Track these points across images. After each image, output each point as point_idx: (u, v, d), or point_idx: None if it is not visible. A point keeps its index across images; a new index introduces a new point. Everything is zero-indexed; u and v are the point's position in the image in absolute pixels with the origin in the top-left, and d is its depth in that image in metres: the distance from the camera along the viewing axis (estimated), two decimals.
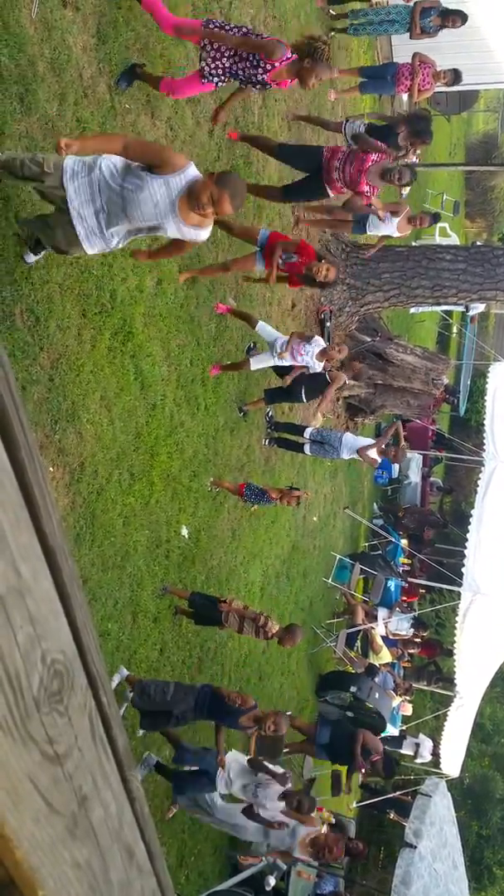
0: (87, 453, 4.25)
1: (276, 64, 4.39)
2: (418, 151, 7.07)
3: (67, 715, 0.67)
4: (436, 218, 7.59)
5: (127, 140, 3.21)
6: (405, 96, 8.41)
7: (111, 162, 3.14)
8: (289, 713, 5.78)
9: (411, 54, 7.65)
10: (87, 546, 4.31)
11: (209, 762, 5.15)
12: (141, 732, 5.00)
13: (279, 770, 5.43)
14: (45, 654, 0.62)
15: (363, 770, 7.56)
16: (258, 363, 6.41)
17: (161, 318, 5.16)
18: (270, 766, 5.37)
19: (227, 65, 4.39)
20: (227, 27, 4.37)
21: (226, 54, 4.36)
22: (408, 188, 7.38)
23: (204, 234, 3.36)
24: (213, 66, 4.39)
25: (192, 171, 3.21)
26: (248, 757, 5.31)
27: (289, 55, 4.43)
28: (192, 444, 5.73)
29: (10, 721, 0.57)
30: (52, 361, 3.88)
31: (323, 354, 6.42)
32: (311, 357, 6.33)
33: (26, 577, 0.58)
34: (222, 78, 4.47)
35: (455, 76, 7.71)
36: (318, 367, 6.51)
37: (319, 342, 6.48)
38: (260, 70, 4.38)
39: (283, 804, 5.34)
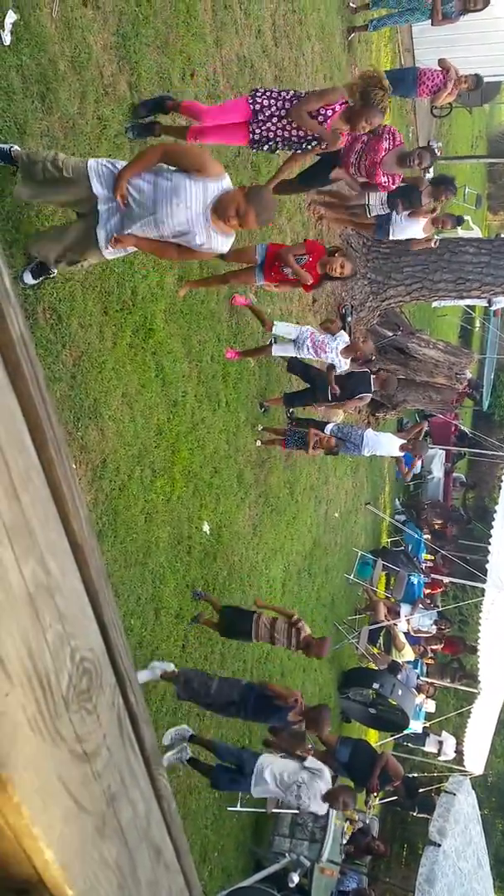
0: (109, 450, 4.27)
1: (336, 107, 4.27)
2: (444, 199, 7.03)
3: (96, 713, 0.66)
4: (459, 220, 7.52)
5: (165, 149, 3.18)
6: (426, 100, 8.35)
7: None
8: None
9: (436, 60, 7.59)
10: (110, 542, 4.33)
11: (247, 759, 5.15)
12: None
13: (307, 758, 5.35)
14: (74, 652, 0.61)
15: (376, 792, 7.54)
16: (280, 351, 6.33)
17: (182, 314, 5.16)
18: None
19: (280, 126, 4.25)
20: (274, 93, 4.29)
21: (278, 114, 4.24)
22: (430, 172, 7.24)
23: (227, 245, 3.35)
24: (264, 128, 4.27)
25: (228, 182, 3.21)
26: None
27: (344, 99, 4.33)
28: (213, 441, 5.73)
29: (41, 720, 0.57)
30: (74, 359, 3.90)
31: (348, 350, 6.34)
32: (335, 354, 6.25)
33: (55, 574, 0.58)
34: (270, 145, 4.37)
35: (477, 81, 7.62)
36: (344, 364, 6.41)
37: (344, 337, 6.39)
38: (319, 119, 4.24)
39: (326, 805, 5.28)
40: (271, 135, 4.34)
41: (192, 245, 3.24)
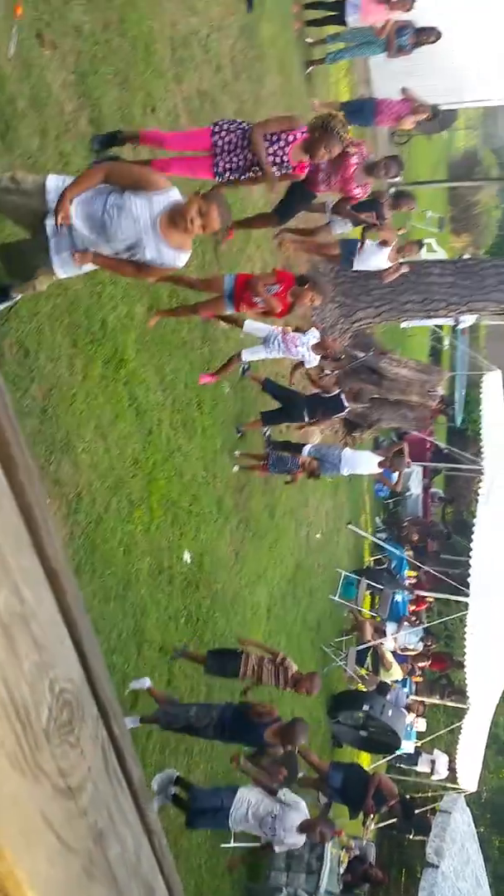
0: (84, 483, 4.22)
1: (297, 135, 4.34)
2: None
3: (79, 746, 0.64)
4: (420, 245, 7.75)
5: (108, 168, 3.22)
6: (387, 129, 8.61)
7: None
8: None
9: (393, 90, 7.85)
10: (88, 577, 4.26)
11: (224, 798, 5.05)
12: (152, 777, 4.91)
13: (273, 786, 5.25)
14: (53, 683, 0.59)
15: (372, 814, 7.44)
16: (251, 354, 6.27)
17: (153, 344, 5.17)
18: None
19: (241, 156, 4.34)
20: (234, 124, 4.38)
21: (240, 145, 4.32)
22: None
23: (182, 259, 3.35)
24: (227, 160, 4.35)
25: (176, 194, 3.23)
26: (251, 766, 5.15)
27: (305, 128, 4.40)
28: (190, 468, 5.71)
29: (21, 755, 0.55)
30: (44, 393, 3.87)
31: (318, 347, 6.35)
32: (306, 349, 6.25)
33: (30, 602, 0.56)
34: (235, 174, 4.43)
35: (434, 111, 7.87)
36: (314, 360, 6.42)
37: (314, 334, 6.41)
38: (280, 144, 4.32)
39: (303, 836, 5.19)
40: (234, 166, 4.39)
41: (145, 259, 3.24)
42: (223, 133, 4.36)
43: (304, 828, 5.11)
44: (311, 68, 8.96)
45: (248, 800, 5.06)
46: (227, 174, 4.43)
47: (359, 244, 7.14)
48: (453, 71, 10.85)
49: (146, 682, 4.75)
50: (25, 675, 0.55)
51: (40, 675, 0.57)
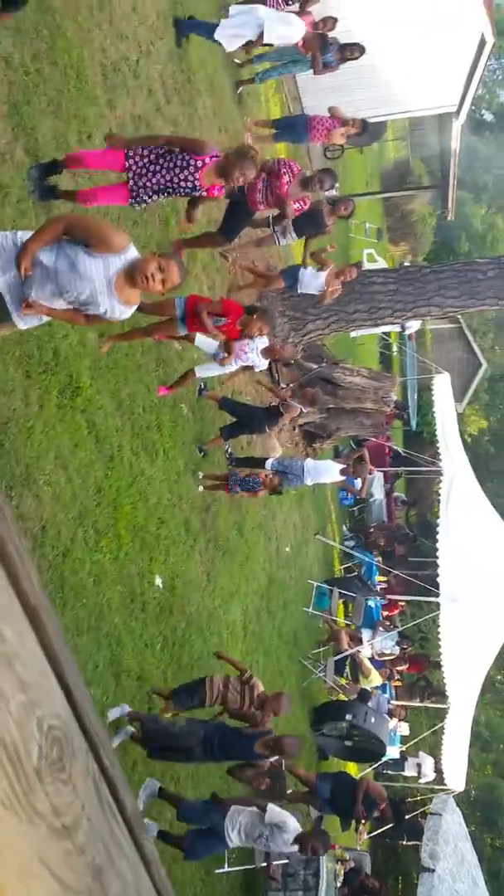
0: (48, 515, 4.15)
1: (206, 160, 4.43)
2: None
3: (71, 782, 0.63)
4: (359, 267, 8.15)
5: (68, 220, 3.22)
6: (319, 145, 8.85)
7: None
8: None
9: (323, 106, 8.06)
10: (59, 610, 4.17)
11: (215, 820, 4.97)
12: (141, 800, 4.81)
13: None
14: (41, 721, 0.58)
15: (364, 819, 7.44)
16: (203, 371, 6.28)
17: (108, 369, 5.13)
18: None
19: (154, 181, 4.41)
20: (145, 150, 4.45)
21: (151, 169, 4.39)
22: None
23: (128, 313, 3.40)
24: (140, 183, 4.41)
25: (133, 252, 3.25)
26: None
27: (216, 152, 4.51)
28: (155, 492, 5.66)
29: (14, 797, 0.53)
30: (0, 427, 3.81)
31: (268, 351, 6.42)
32: (255, 354, 6.30)
33: (11, 640, 0.55)
34: (150, 197, 4.50)
35: (363, 125, 8.10)
36: (263, 364, 6.49)
37: (263, 340, 6.49)
38: (190, 170, 4.41)
39: (296, 848, 5.16)
40: (149, 189, 4.46)
41: (98, 313, 3.28)
42: (136, 157, 4.44)
43: (297, 842, 5.08)
44: (241, 88, 9.11)
45: (239, 821, 5.01)
46: (141, 196, 4.51)
47: (300, 270, 7.41)
48: (380, 84, 11.18)
49: (125, 708, 4.67)
50: (13, 716, 0.54)
51: (27, 714, 0.56)
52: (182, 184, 4.45)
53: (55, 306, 3.23)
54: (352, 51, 8.12)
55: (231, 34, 7.17)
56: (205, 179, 4.50)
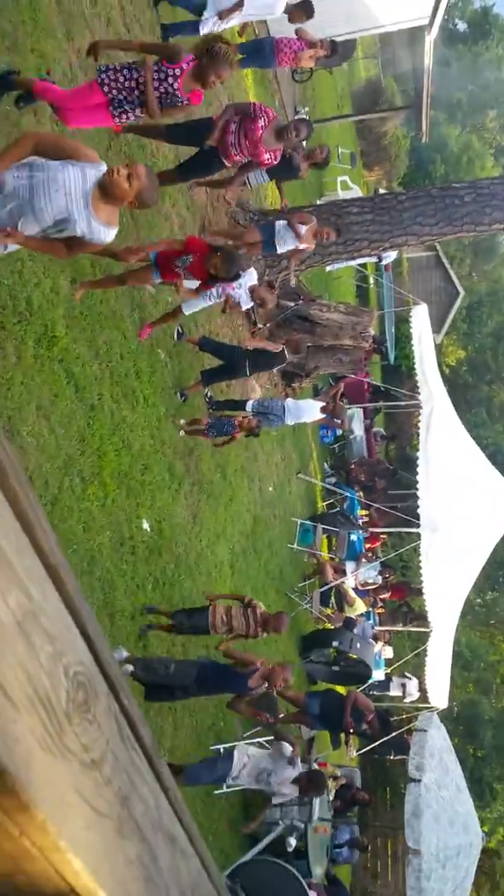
0: (34, 466, 4.18)
1: (183, 66, 4.30)
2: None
3: (96, 721, 0.69)
4: (338, 231, 7.91)
5: (37, 138, 3.11)
6: (287, 68, 8.51)
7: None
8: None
9: (290, 28, 7.69)
10: None
11: (221, 768, 5.25)
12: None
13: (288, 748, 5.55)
14: (68, 668, 0.63)
15: (352, 730, 7.80)
16: (191, 307, 6.26)
17: (83, 317, 5.06)
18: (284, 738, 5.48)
19: (135, 95, 4.28)
20: (117, 67, 4.31)
21: (128, 86, 4.27)
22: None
23: (111, 235, 3.29)
24: (121, 97, 4.28)
25: (105, 168, 3.16)
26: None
27: (191, 57, 4.35)
28: (137, 438, 5.69)
29: (48, 739, 0.59)
30: None
31: (253, 292, 6.41)
32: (243, 290, 6.28)
33: (37, 599, 0.59)
34: (134, 111, 4.34)
35: (333, 45, 7.78)
36: (248, 302, 6.49)
37: (252, 275, 6.46)
38: (169, 81, 4.28)
39: (296, 788, 5.49)
40: (129, 106, 4.34)
41: (74, 234, 3.17)
42: (110, 83, 4.31)
43: (298, 784, 5.42)
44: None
45: (244, 762, 5.29)
46: (125, 116, 4.41)
47: (276, 224, 7.34)
48: (347, 0, 10.68)
49: (122, 654, 4.83)
50: (43, 666, 0.59)
51: (55, 663, 0.61)
52: (163, 96, 4.34)
53: (31, 233, 3.14)
54: None
55: None
56: (184, 87, 4.37)
